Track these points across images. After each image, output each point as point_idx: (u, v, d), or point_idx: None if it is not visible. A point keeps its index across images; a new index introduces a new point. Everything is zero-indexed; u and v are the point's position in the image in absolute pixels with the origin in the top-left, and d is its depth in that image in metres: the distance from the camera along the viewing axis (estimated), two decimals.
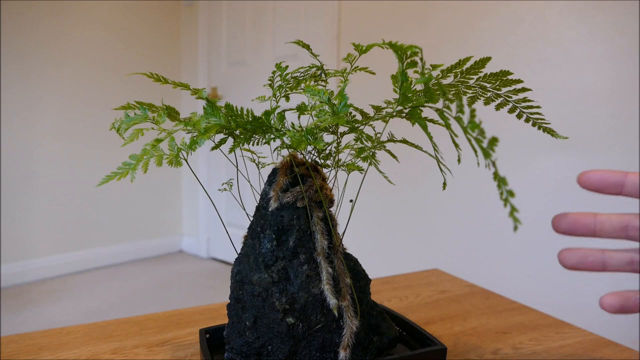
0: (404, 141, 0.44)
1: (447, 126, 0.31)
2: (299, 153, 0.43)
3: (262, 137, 0.39)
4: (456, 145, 0.35)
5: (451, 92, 0.42)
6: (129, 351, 0.51)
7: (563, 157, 1.52)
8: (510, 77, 0.42)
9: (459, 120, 0.28)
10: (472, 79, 0.43)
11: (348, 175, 0.45)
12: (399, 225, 2.02)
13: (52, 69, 2.50)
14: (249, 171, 0.49)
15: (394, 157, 0.49)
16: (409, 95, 0.34)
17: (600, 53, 1.43)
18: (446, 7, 1.79)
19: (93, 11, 2.64)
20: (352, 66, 0.46)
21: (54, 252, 2.58)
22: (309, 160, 0.44)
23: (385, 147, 0.42)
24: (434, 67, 0.34)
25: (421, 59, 0.31)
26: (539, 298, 1.52)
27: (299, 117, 0.40)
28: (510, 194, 0.26)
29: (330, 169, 0.45)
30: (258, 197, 0.44)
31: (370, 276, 0.47)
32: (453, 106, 0.30)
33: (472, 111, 0.27)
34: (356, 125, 0.40)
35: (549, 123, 0.43)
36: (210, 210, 2.95)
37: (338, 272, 0.41)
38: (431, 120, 0.40)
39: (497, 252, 1.69)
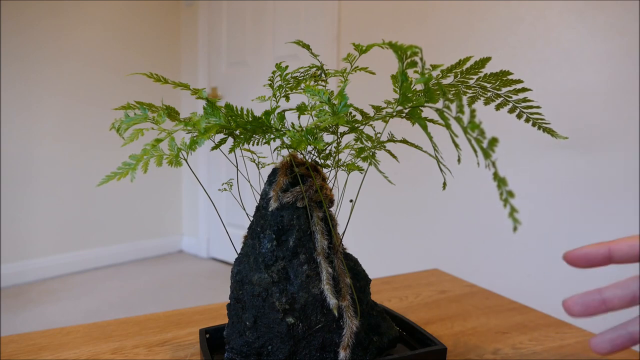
0: (404, 141, 0.44)
1: (447, 126, 0.31)
2: (299, 153, 0.43)
3: (262, 137, 0.39)
4: (456, 145, 0.35)
5: (451, 92, 0.42)
6: (129, 351, 0.51)
7: (563, 157, 1.52)
8: (510, 77, 0.42)
9: (459, 120, 0.28)
10: (472, 79, 0.43)
11: (348, 175, 0.45)
12: (399, 225, 2.02)
13: (52, 69, 2.50)
14: (249, 171, 0.49)
15: (394, 157, 0.49)
16: (409, 95, 0.34)
17: (600, 53, 1.43)
18: (446, 7, 1.79)
19: (93, 11, 2.64)
20: (352, 66, 0.46)
21: (54, 252, 2.58)
22: (309, 160, 0.44)
23: (385, 147, 0.42)
24: (434, 67, 0.34)
25: (421, 59, 0.31)
26: (539, 298, 1.52)
27: (299, 117, 0.40)
28: (510, 194, 0.26)
29: (330, 169, 0.45)
30: (258, 197, 0.44)
31: (370, 276, 0.47)
32: (453, 106, 0.30)
33: (472, 111, 0.27)
34: (356, 125, 0.40)
35: (549, 123, 0.43)
36: (210, 210, 2.95)
37: (338, 272, 0.41)
38: (431, 120, 0.40)
39: (497, 252, 1.69)
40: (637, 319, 0.32)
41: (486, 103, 0.44)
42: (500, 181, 0.26)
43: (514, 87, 0.42)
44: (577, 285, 1.49)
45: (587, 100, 1.46)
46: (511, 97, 0.43)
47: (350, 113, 0.46)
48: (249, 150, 0.46)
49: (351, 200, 0.47)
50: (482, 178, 1.69)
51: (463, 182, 1.74)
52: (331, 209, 0.44)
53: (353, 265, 0.45)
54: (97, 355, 0.50)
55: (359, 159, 0.43)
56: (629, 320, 0.32)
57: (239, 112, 0.37)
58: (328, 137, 0.44)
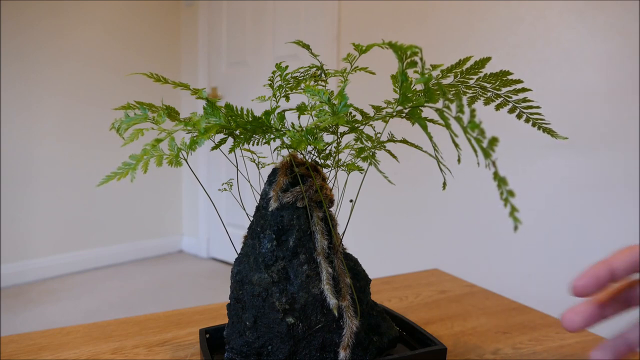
0: (404, 141, 0.44)
1: (447, 126, 0.31)
2: (299, 153, 0.43)
3: (262, 137, 0.39)
4: (456, 145, 0.35)
5: (451, 92, 0.42)
6: (129, 351, 0.51)
7: (563, 157, 1.52)
8: (510, 77, 0.42)
9: (459, 120, 0.28)
10: (472, 79, 0.43)
11: (348, 175, 0.45)
12: (399, 225, 2.02)
13: (52, 69, 2.50)
14: (249, 171, 0.49)
15: (394, 157, 0.49)
16: (409, 95, 0.34)
17: (600, 53, 1.43)
18: (446, 7, 1.79)
19: (93, 11, 2.64)
20: (352, 66, 0.46)
21: (54, 252, 2.58)
22: (309, 160, 0.44)
23: (385, 147, 0.42)
24: (434, 67, 0.34)
25: (421, 59, 0.31)
26: (539, 298, 1.52)
27: (299, 117, 0.40)
28: (511, 194, 0.26)
29: (330, 169, 0.45)
30: (258, 197, 0.44)
31: (370, 276, 0.47)
32: (453, 106, 0.30)
33: (472, 111, 0.27)
34: (356, 125, 0.40)
35: (548, 123, 0.43)
36: (210, 210, 2.95)
37: (338, 272, 0.41)
38: (431, 120, 0.40)
39: (497, 252, 1.69)
40: (635, 327, 0.31)
41: (486, 103, 0.44)
42: (501, 181, 0.26)
43: (513, 87, 0.42)
44: None
45: (587, 100, 1.46)
46: (511, 97, 0.43)
47: (350, 113, 0.46)
48: (249, 150, 0.46)
49: (351, 200, 0.47)
50: (482, 178, 1.69)
51: (463, 182, 1.74)
52: (331, 209, 0.44)
53: (353, 265, 0.45)
54: (97, 355, 0.49)
55: (359, 159, 0.43)
56: (626, 330, 0.32)
57: (239, 112, 0.37)
58: (328, 137, 0.44)
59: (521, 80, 0.42)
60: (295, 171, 0.42)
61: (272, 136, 0.38)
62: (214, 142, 0.40)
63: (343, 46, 2.19)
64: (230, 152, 0.37)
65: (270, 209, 0.41)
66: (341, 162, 0.44)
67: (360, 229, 2.12)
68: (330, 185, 0.44)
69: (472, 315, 0.62)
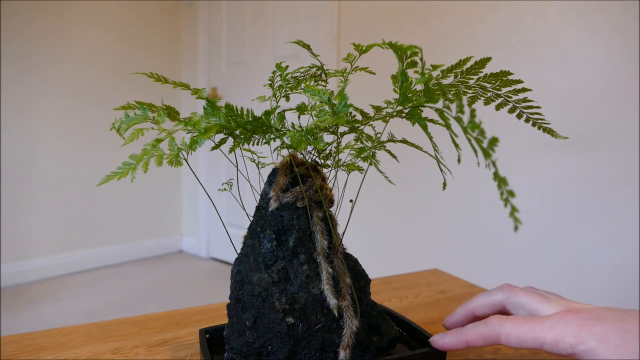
0: (404, 141, 0.44)
1: (447, 126, 0.31)
2: (299, 153, 0.43)
3: (262, 137, 0.39)
4: (456, 145, 0.35)
5: (451, 92, 0.42)
6: (129, 351, 0.51)
7: (563, 157, 1.52)
8: (510, 77, 0.42)
9: (459, 120, 0.28)
10: (472, 79, 0.43)
11: (348, 175, 0.45)
12: (399, 225, 2.02)
13: (52, 69, 2.50)
14: (249, 171, 0.49)
15: (394, 157, 0.49)
16: (409, 95, 0.34)
17: (600, 53, 1.43)
18: (446, 8, 1.79)
19: (93, 11, 2.64)
20: (352, 66, 0.46)
21: (54, 252, 2.58)
22: (309, 160, 0.44)
23: (385, 147, 0.42)
24: (434, 67, 0.34)
25: (421, 59, 0.31)
26: None
27: (299, 117, 0.40)
28: (511, 194, 0.26)
29: (330, 169, 0.45)
30: (258, 197, 0.44)
31: (370, 276, 0.47)
32: (453, 106, 0.30)
33: (472, 111, 0.27)
34: (356, 125, 0.40)
35: (549, 123, 0.43)
36: (210, 210, 2.95)
37: (338, 272, 0.41)
38: (431, 120, 0.40)
39: (497, 252, 1.69)
40: (471, 327, 0.39)
41: (486, 103, 0.44)
42: (501, 181, 0.26)
43: (514, 87, 0.42)
44: (576, 284, 1.49)
45: (587, 100, 1.46)
46: (511, 97, 0.43)
47: (350, 113, 0.46)
48: (249, 150, 0.46)
49: (351, 200, 0.47)
50: (482, 178, 1.69)
51: (463, 182, 1.74)
52: (331, 209, 0.44)
53: (353, 265, 0.45)
54: (97, 355, 0.49)
55: (359, 159, 0.43)
56: (466, 328, 0.39)
57: (239, 112, 0.37)
58: (328, 137, 0.44)
59: (521, 80, 0.42)
60: (295, 171, 0.42)
61: (272, 136, 0.38)
62: (214, 142, 0.40)
63: (343, 46, 2.19)
64: (230, 152, 0.37)
65: (270, 209, 0.41)
66: (341, 162, 0.44)
67: (360, 229, 2.12)
68: (330, 185, 0.44)
69: None
